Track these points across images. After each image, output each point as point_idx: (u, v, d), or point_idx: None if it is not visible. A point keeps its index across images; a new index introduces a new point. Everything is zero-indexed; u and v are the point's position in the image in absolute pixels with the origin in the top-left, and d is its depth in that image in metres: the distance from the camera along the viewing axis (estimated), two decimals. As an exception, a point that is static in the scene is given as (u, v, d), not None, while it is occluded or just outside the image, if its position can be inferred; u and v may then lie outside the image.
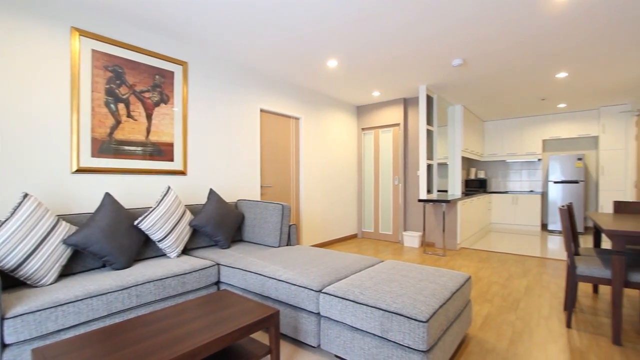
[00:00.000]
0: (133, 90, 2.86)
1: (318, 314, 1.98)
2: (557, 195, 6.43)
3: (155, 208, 2.55)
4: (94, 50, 2.61)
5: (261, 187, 4.15)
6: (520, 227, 6.76)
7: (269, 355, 1.89)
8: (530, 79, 4.32)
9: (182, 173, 3.22)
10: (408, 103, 5.42)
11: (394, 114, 5.48)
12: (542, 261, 4.23)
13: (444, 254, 4.55)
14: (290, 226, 3.16)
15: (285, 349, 2.06)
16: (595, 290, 3.05)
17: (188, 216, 2.80)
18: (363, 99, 5.48)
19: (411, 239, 5.12)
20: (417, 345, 1.53)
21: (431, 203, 4.75)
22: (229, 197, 3.69)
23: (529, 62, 3.70)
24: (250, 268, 2.37)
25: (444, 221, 4.71)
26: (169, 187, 2.70)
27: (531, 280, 3.41)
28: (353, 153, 5.86)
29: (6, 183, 2.21)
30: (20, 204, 1.95)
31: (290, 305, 2.10)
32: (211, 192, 3.07)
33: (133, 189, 2.87)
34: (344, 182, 5.61)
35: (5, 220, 1.89)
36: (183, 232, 2.69)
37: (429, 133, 4.97)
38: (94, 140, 2.62)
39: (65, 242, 2.08)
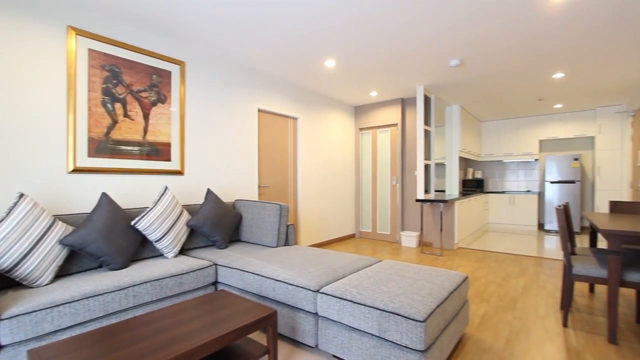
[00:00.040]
0: (130, 89, 2.85)
1: (316, 314, 1.98)
2: (554, 195, 6.46)
3: (152, 208, 2.54)
4: (90, 50, 2.60)
5: (259, 187, 4.15)
6: (517, 227, 6.79)
7: (266, 356, 1.89)
8: (527, 79, 4.34)
9: (179, 173, 3.21)
10: (406, 103, 5.43)
11: (392, 114, 5.49)
12: (538, 261, 4.25)
13: (441, 254, 4.56)
14: (288, 226, 3.16)
15: (282, 349, 2.06)
16: (592, 289, 3.07)
17: (185, 216, 2.79)
18: (361, 99, 5.48)
19: (409, 239, 5.13)
20: (414, 345, 1.53)
21: (429, 203, 4.76)
22: (226, 197, 3.69)
23: (526, 62, 3.72)
24: (247, 268, 2.37)
25: (442, 221, 4.72)
26: (166, 187, 2.69)
27: (528, 279, 3.43)
28: (351, 153, 5.87)
29: (1, 183, 2.19)
30: (15, 204, 1.94)
31: (288, 305, 2.10)
32: (209, 192, 3.07)
33: (130, 189, 2.86)
34: (341, 182, 5.61)
35: (1, 221, 1.88)
36: (180, 233, 2.69)
37: (427, 133, 4.98)
38: (90, 140, 2.61)
39: (61, 242, 2.07)
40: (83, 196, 2.58)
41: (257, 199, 4.08)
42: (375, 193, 5.74)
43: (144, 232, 2.48)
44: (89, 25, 2.60)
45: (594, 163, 6.48)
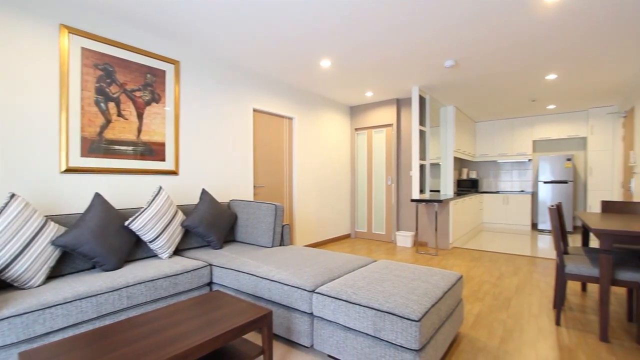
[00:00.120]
0: (124, 89, 2.82)
1: (311, 314, 1.98)
2: (547, 195, 6.53)
3: (146, 208, 2.52)
4: (83, 48, 2.57)
5: (254, 187, 4.14)
6: (511, 227, 6.85)
7: (261, 356, 1.88)
8: (521, 80, 4.38)
9: (174, 173, 3.19)
10: (401, 104, 5.45)
11: (387, 115, 5.51)
12: (532, 260, 4.29)
13: (436, 254, 4.59)
14: (283, 226, 3.15)
15: (278, 349, 2.06)
16: (584, 288, 3.11)
17: (180, 216, 2.77)
18: (356, 99, 5.49)
19: (404, 238, 5.15)
20: (409, 344, 1.54)
21: (424, 203, 4.79)
22: (221, 197, 3.67)
23: (520, 64, 3.75)
24: (243, 268, 2.36)
25: (437, 221, 4.75)
26: (160, 187, 2.68)
27: (522, 279, 3.46)
28: (346, 153, 5.87)
29: (-8, 183, 2.16)
30: (6, 204, 1.91)
31: (284, 305, 2.10)
32: (203, 192, 3.05)
33: (124, 189, 2.84)
34: (337, 182, 5.61)
35: (-8, 221, 1.85)
36: (175, 233, 2.67)
37: (422, 133, 5.00)
38: (83, 139, 2.58)
39: (53, 243, 2.04)
40: (76, 196, 2.55)
41: (252, 199, 4.07)
42: (371, 193, 5.76)
43: (137, 233, 2.46)
44: (82, 24, 2.58)
45: (586, 163, 6.56)
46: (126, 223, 2.42)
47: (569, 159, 6.30)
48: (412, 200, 4.74)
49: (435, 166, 6.04)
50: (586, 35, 3.03)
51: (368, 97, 5.35)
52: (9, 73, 2.22)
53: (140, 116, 2.93)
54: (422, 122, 4.94)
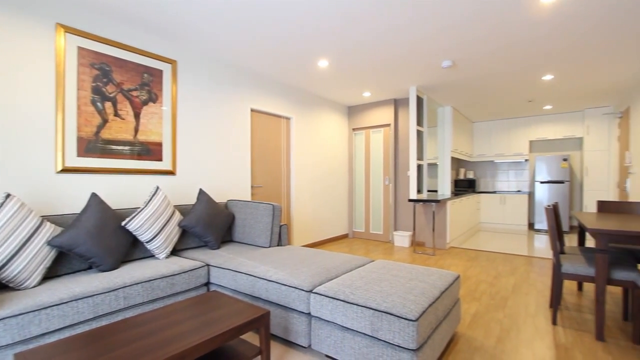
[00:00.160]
0: (120, 88, 2.81)
1: (309, 314, 1.98)
2: (544, 195, 6.56)
3: (143, 208, 2.51)
4: (80, 48, 2.56)
5: (252, 187, 4.13)
6: (508, 227, 6.88)
7: (259, 356, 1.88)
8: (518, 80, 4.40)
9: (171, 173, 3.18)
10: (398, 104, 5.46)
11: (385, 115, 5.52)
12: (529, 260, 4.31)
13: (433, 253, 4.60)
14: (281, 226, 3.15)
15: (275, 349, 2.06)
16: (580, 287, 3.13)
17: (177, 217, 2.76)
18: (354, 100, 5.50)
19: (401, 238, 5.16)
20: (407, 344, 1.54)
21: (421, 203, 4.80)
22: (219, 197, 3.66)
23: (517, 64, 3.77)
24: (240, 269, 2.36)
25: (434, 221, 4.76)
26: (157, 187, 2.67)
27: (518, 278, 3.48)
28: (344, 153, 5.88)
29: (-13, 183, 2.15)
30: (2, 204, 1.90)
31: (281, 305, 2.10)
32: (201, 192, 3.04)
33: (120, 189, 2.82)
34: (334, 182, 5.62)
35: (-13, 222, 1.83)
36: (172, 233, 2.66)
37: (419, 134, 5.02)
38: (79, 139, 2.57)
39: (49, 243, 2.03)
40: (72, 196, 2.54)
41: (250, 199, 4.06)
42: (368, 193, 5.76)
43: (134, 233, 2.45)
44: (79, 23, 2.56)
45: (582, 163, 6.60)
46: (123, 223, 2.41)
47: (565, 159, 6.34)
48: (410, 200, 4.75)
49: (433, 166, 6.06)
50: (582, 37, 3.04)
51: (366, 97, 5.35)
52: (4, 72, 2.21)
53: (137, 116, 2.92)
54: (419, 122, 4.96)
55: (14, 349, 1.62)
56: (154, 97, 3.05)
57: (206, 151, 3.53)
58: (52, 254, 2.05)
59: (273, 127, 4.46)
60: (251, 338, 2.15)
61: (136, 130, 2.92)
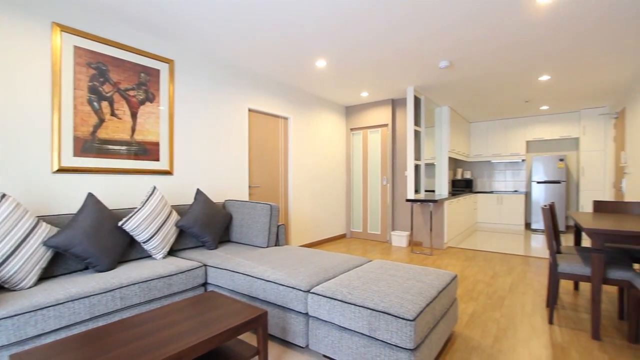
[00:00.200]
0: (117, 88, 2.80)
1: (306, 314, 1.98)
2: (540, 195, 6.60)
3: (140, 209, 2.50)
4: (76, 47, 2.54)
5: (249, 187, 4.12)
6: (505, 226, 6.91)
7: (257, 357, 1.88)
8: (515, 81, 4.42)
9: (168, 173, 3.17)
10: (396, 104, 5.47)
11: (382, 115, 5.53)
12: (525, 259, 4.33)
13: (431, 253, 4.61)
14: (278, 226, 3.15)
15: (273, 349, 2.05)
16: (576, 287, 3.15)
17: (174, 217, 2.75)
18: (352, 100, 5.50)
19: (399, 238, 5.17)
20: (404, 344, 1.54)
21: (419, 203, 4.81)
22: (216, 197, 3.65)
23: (513, 64, 3.79)
24: (238, 269, 2.35)
25: (431, 221, 4.77)
26: (154, 187, 2.65)
27: (515, 278, 3.49)
28: (342, 153, 5.88)
29: (-18, 183, 2.13)
30: (-3, 204, 1.89)
31: (279, 305, 2.10)
32: (198, 192, 3.03)
33: (117, 189, 2.81)
34: (332, 182, 5.62)
35: (-18, 222, 1.82)
36: (169, 233, 2.65)
37: (417, 134, 5.03)
38: (76, 139, 2.55)
39: (45, 243, 2.02)
40: (68, 196, 2.52)
41: (247, 199, 4.05)
42: (366, 193, 5.77)
43: (131, 233, 2.44)
44: (75, 22, 2.55)
45: (578, 164, 6.64)
46: (120, 223, 2.40)
47: (561, 160, 6.37)
48: (407, 200, 4.76)
49: (430, 166, 6.08)
50: (578, 38, 3.06)
51: (363, 97, 5.36)
52: (-1, 71, 2.19)
53: (134, 115, 2.91)
54: (417, 122, 4.97)
55: (9, 350, 1.61)
56: (151, 97, 3.03)
57: (204, 151, 3.52)
58: (48, 254, 2.04)
59: (271, 127, 4.46)
60: (249, 338, 2.15)
61: (133, 130, 2.91)
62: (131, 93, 2.89)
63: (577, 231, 3.12)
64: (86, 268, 2.29)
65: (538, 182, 6.59)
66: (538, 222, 6.59)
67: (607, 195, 5.89)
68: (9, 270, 1.83)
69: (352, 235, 5.95)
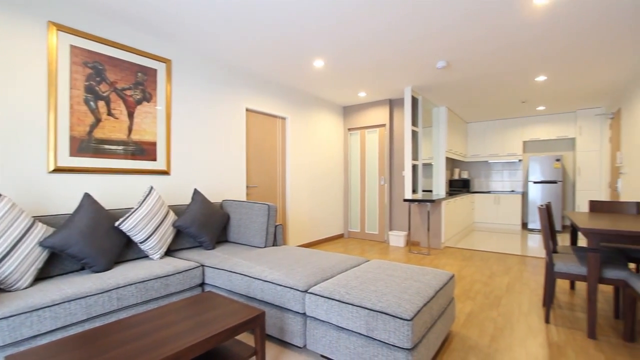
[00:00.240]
0: (114, 87, 2.79)
1: (304, 314, 1.98)
2: (537, 195, 6.63)
3: (137, 209, 2.49)
4: (72, 46, 2.53)
5: (247, 187, 4.12)
6: (501, 226, 6.93)
7: (254, 357, 1.87)
8: (512, 81, 4.44)
9: (165, 173, 3.16)
10: (394, 104, 5.48)
11: (380, 115, 5.53)
12: (522, 259, 4.35)
13: (428, 253, 4.62)
14: (276, 226, 3.15)
15: (270, 350, 2.05)
16: (572, 286, 3.17)
17: (171, 217, 2.74)
18: (349, 100, 5.50)
19: (397, 238, 5.17)
20: (402, 344, 1.55)
21: (416, 203, 4.82)
22: (214, 197, 3.64)
23: (510, 65, 3.80)
24: (235, 269, 2.35)
25: (429, 221, 4.79)
26: (151, 187, 2.65)
27: (512, 277, 3.51)
28: (339, 153, 5.88)
29: (-23, 183, 2.11)
30: (-8, 205, 1.87)
31: (276, 306, 2.09)
32: (195, 192, 3.03)
33: (114, 189, 2.80)
34: (330, 182, 5.62)
35: (-23, 222, 1.81)
36: (166, 233, 2.64)
37: (414, 134, 5.04)
38: (72, 138, 2.54)
39: (41, 244, 2.00)
40: (65, 197, 2.51)
41: (245, 199, 4.05)
42: (364, 193, 5.78)
43: (128, 233, 2.43)
44: (71, 21, 2.53)
45: (574, 164, 6.68)
46: (116, 224, 2.39)
47: (558, 160, 6.41)
48: (405, 200, 4.77)
49: (428, 166, 6.09)
50: (574, 39, 3.08)
51: (361, 98, 5.36)
52: (-5, 70, 2.18)
53: (130, 115, 2.90)
54: (414, 122, 4.98)
55: (5, 352, 1.60)
56: (148, 97, 3.02)
57: (201, 151, 3.51)
58: (44, 254, 2.03)
59: (268, 127, 4.45)
60: (246, 339, 2.15)
61: (130, 130, 2.89)
62: (128, 93, 2.88)
63: (574, 231, 3.14)
64: (82, 268, 2.28)
65: (535, 182, 6.62)
66: (535, 222, 6.63)
67: (603, 195, 5.93)
68: (5, 270, 1.82)
69: (350, 235, 5.95)
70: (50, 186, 2.44)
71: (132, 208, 2.77)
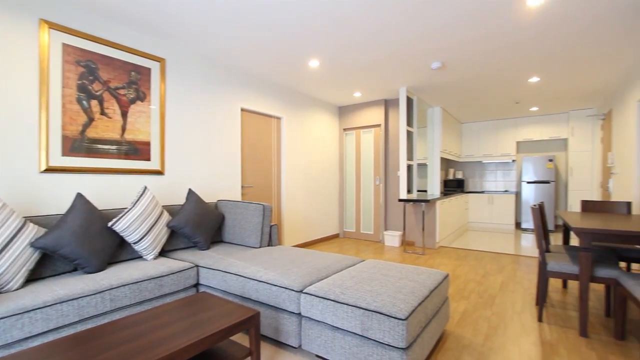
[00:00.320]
0: (107, 86, 2.76)
1: (299, 314, 1.98)
2: (530, 195, 6.70)
3: (130, 209, 2.47)
4: (64, 44, 2.50)
5: (242, 187, 4.10)
6: (495, 226, 6.99)
7: (249, 357, 1.87)
8: (505, 82, 4.48)
9: (159, 173, 3.13)
10: (389, 104, 5.49)
11: (375, 115, 5.55)
12: (516, 258, 4.39)
13: (423, 253, 4.64)
14: (271, 226, 3.14)
15: (265, 350, 2.05)
16: (565, 285, 3.20)
17: (166, 217, 2.72)
18: (345, 100, 5.51)
19: (392, 238, 5.19)
20: (396, 343, 1.55)
21: (411, 203, 4.84)
22: (208, 197, 3.62)
23: (504, 66, 3.84)
24: (230, 269, 2.34)
25: (424, 220, 4.81)
26: (145, 187, 2.62)
27: (506, 276, 3.54)
28: (335, 153, 5.89)
29: (-33, 183, 2.08)
30: (-18, 205, 1.84)
31: (271, 306, 2.09)
32: (190, 192, 3.01)
33: (107, 190, 2.77)
34: (325, 182, 5.62)
35: (-34, 223, 1.78)
36: (160, 234, 2.62)
37: (409, 134, 5.06)
38: (64, 138, 2.51)
39: (32, 245, 1.98)
40: (57, 197, 2.48)
41: (240, 199, 4.03)
42: (359, 193, 5.79)
43: (121, 234, 2.40)
44: (63, 19, 2.50)
45: (567, 164, 6.76)
46: (110, 224, 2.36)
47: (550, 160, 6.48)
48: (400, 200, 4.79)
49: (423, 166, 6.12)
50: (567, 41, 3.12)
51: (356, 98, 5.37)
52: (-15, 69, 2.14)
53: (124, 114, 2.87)
54: (409, 122, 5.00)
55: (-5, 354, 1.58)
56: (141, 96, 3.00)
57: (195, 151, 3.49)
58: (36, 255, 2.00)
59: (263, 127, 4.44)
60: (241, 339, 2.14)
61: (123, 129, 2.87)
62: (121, 92, 2.85)
63: (566, 230, 3.17)
64: (75, 269, 2.25)
65: (528, 182, 6.69)
66: (528, 222, 6.69)
67: (595, 195, 6.01)
68: (-5, 272, 1.79)
69: (345, 235, 5.96)
70: (42, 186, 2.41)
71: (125, 208, 2.74)
